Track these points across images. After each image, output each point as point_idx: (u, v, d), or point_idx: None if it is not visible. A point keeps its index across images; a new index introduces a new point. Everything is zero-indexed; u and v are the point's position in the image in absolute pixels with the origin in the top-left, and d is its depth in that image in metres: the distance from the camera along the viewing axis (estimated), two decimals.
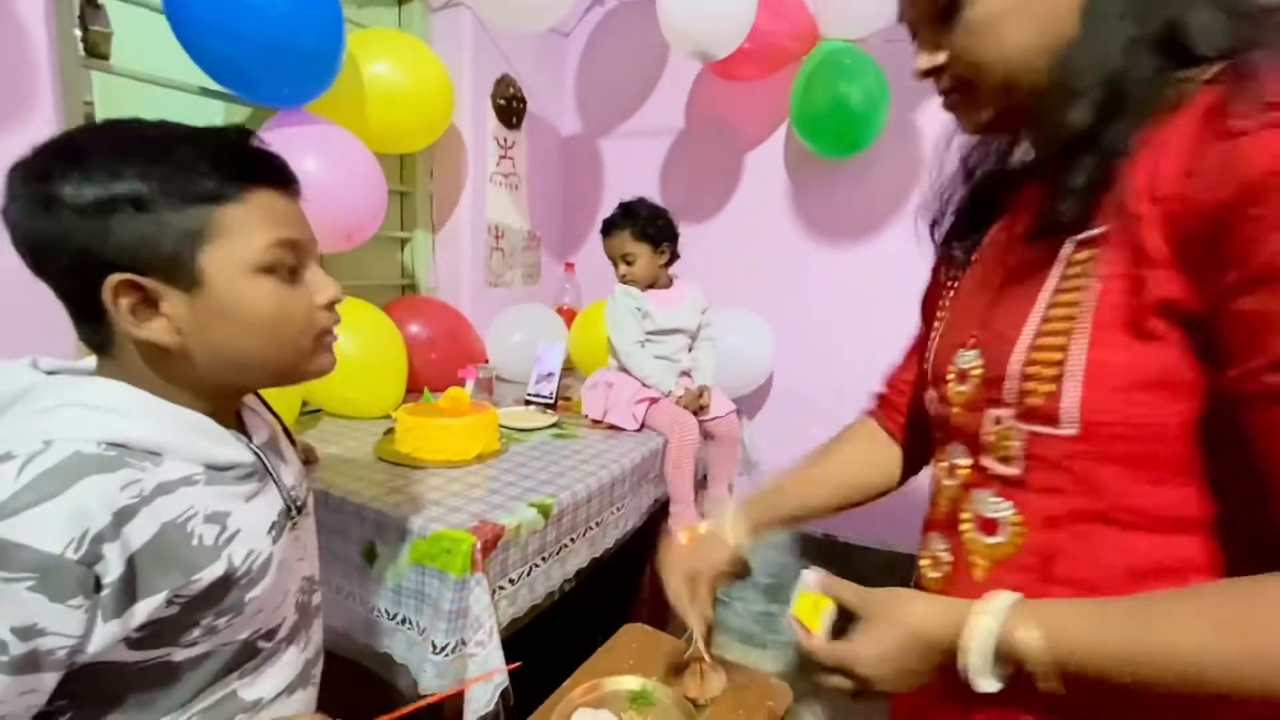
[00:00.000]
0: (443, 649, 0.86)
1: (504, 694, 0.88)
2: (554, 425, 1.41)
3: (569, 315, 2.03)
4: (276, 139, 0.57)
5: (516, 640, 0.98)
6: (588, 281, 2.14)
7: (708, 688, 1.08)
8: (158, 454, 0.48)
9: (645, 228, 1.45)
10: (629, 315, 1.44)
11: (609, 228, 1.49)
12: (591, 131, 2.13)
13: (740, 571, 0.81)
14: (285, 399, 1.21)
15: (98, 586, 0.43)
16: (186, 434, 0.50)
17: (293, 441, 0.67)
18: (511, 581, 0.96)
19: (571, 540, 1.09)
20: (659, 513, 1.42)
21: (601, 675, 1.09)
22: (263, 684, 0.56)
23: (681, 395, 1.43)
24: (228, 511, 0.51)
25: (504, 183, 1.91)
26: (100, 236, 0.46)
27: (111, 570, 0.44)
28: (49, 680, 0.44)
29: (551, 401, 1.55)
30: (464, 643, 0.87)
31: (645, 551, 1.47)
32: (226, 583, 0.50)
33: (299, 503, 0.61)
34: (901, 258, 1.70)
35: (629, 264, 1.47)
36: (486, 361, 1.70)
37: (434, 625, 0.88)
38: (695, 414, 1.43)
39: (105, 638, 0.44)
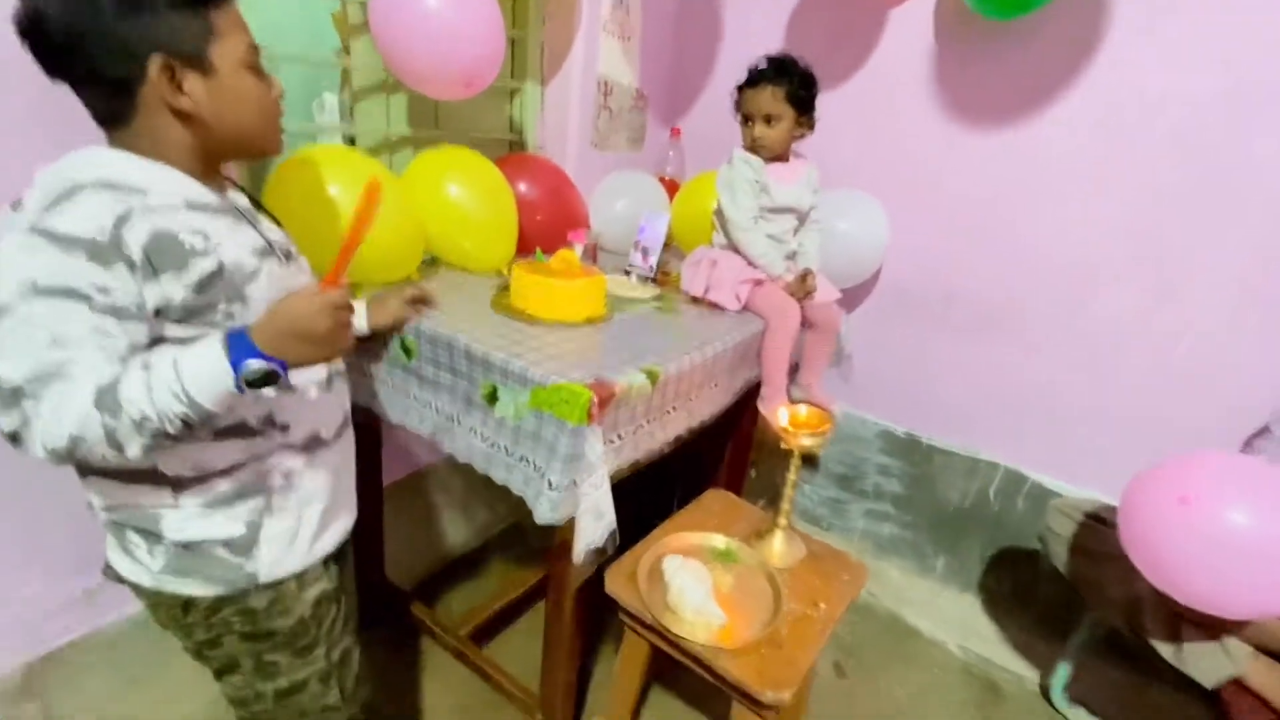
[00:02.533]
0: (557, 487, 0.95)
1: (612, 533, 0.97)
2: (656, 298, 1.42)
3: (671, 187, 1.96)
4: None
5: (613, 487, 1.06)
6: (693, 151, 2.04)
7: (789, 554, 1.16)
8: (143, 190, 0.64)
9: (798, 89, 1.32)
10: (748, 187, 1.36)
11: (756, 79, 1.34)
12: None
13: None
14: (410, 249, 1.26)
15: (132, 266, 0.61)
16: (167, 180, 0.67)
17: (278, 223, 0.85)
18: (619, 437, 1.02)
19: (673, 409, 1.13)
20: (750, 392, 1.44)
21: (689, 530, 1.18)
22: (296, 374, 0.68)
23: (789, 280, 1.39)
24: (210, 230, 0.68)
25: (617, 32, 1.78)
26: (143, 28, 0.62)
27: (134, 252, 0.61)
28: (138, 331, 0.62)
29: (653, 275, 1.55)
30: (576, 484, 0.95)
31: (732, 427, 1.52)
32: (223, 275, 0.67)
33: (284, 249, 0.79)
34: (1055, 153, 1.53)
35: (768, 125, 1.34)
36: (590, 227, 1.69)
37: (550, 465, 0.95)
38: (799, 300, 1.39)
39: (153, 299, 0.62)
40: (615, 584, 1.06)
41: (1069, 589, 1.46)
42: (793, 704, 1.26)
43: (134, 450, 0.60)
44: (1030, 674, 1.65)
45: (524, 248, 1.51)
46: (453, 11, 1.18)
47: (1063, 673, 1.55)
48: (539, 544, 1.85)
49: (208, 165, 0.73)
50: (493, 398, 1.04)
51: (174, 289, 0.63)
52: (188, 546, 0.73)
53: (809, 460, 2.04)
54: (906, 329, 1.83)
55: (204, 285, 0.65)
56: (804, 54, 1.81)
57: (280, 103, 0.76)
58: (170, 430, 0.61)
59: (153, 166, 0.67)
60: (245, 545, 0.75)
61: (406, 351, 1.14)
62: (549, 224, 1.58)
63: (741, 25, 1.91)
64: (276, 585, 0.78)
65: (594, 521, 0.95)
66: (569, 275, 1.21)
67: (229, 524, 0.74)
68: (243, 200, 0.79)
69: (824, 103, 1.77)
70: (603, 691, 1.41)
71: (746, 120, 1.37)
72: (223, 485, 0.73)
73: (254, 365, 0.61)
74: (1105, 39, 1.42)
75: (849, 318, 1.89)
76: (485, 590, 1.71)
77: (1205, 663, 1.11)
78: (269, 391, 0.63)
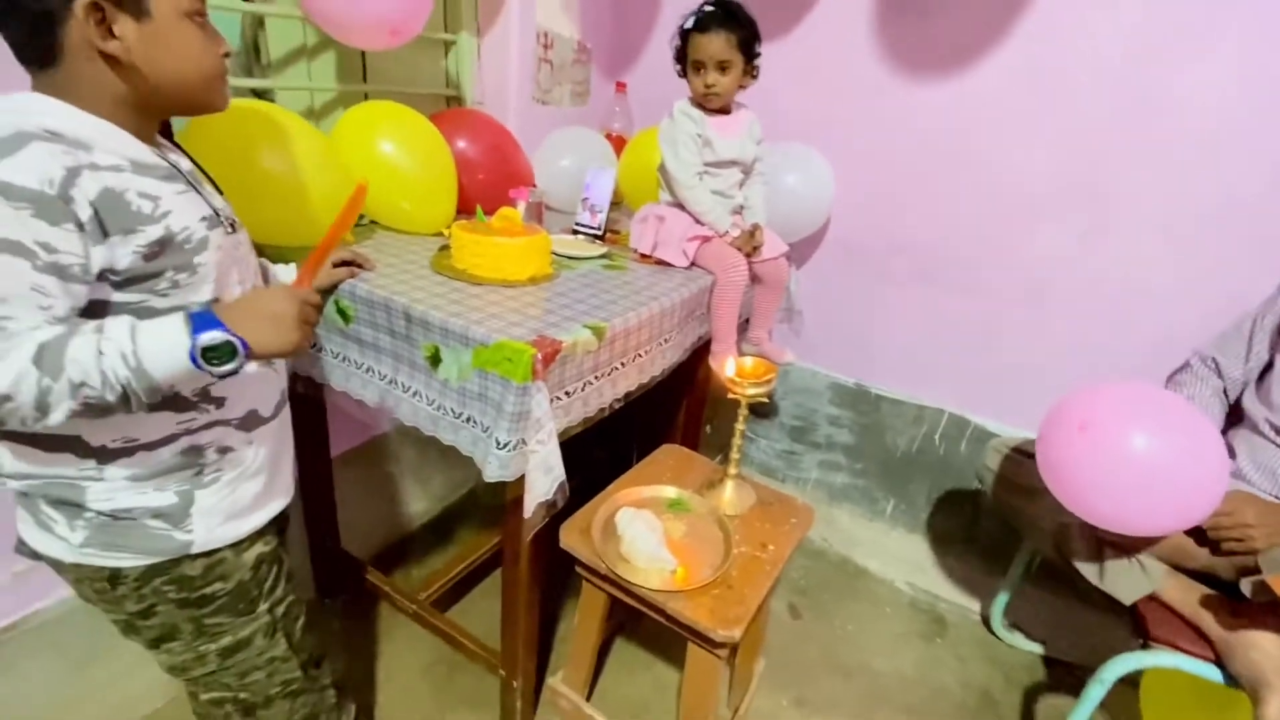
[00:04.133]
0: (505, 445, 0.94)
1: (560, 485, 0.97)
2: (603, 256, 1.40)
3: (618, 143, 1.92)
4: None
5: (568, 446, 1.06)
6: (640, 106, 2.00)
7: (739, 501, 1.19)
8: (88, 146, 0.61)
9: (745, 36, 1.28)
10: (690, 142, 1.34)
11: (706, 23, 1.27)
12: None
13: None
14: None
15: (80, 226, 0.58)
16: (109, 137, 0.63)
17: (219, 191, 0.81)
18: (567, 394, 1.02)
19: (622, 364, 1.13)
20: (702, 349, 1.45)
21: (643, 484, 1.20)
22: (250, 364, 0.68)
23: (736, 236, 1.39)
24: (158, 195, 0.64)
25: None
26: None
27: (82, 210, 0.58)
28: (79, 292, 0.59)
29: (600, 233, 1.53)
30: (524, 442, 0.95)
31: (686, 382, 1.53)
32: (171, 243, 0.65)
33: (229, 218, 0.76)
34: (988, 101, 1.56)
35: (722, 72, 1.29)
36: (535, 185, 1.65)
37: (497, 424, 0.95)
38: (747, 255, 1.40)
39: (98, 261, 0.60)
40: (570, 538, 1.07)
41: (1007, 524, 1.55)
42: (749, 644, 1.32)
43: (58, 416, 0.57)
44: (973, 605, 1.75)
45: (465, 207, 1.47)
46: None
47: (1001, 602, 1.65)
48: (490, 502, 1.86)
49: (144, 121, 0.69)
50: (435, 359, 1.02)
51: (121, 253, 0.61)
52: (115, 517, 0.70)
53: (762, 413, 2.08)
54: (853, 281, 1.86)
55: (152, 253, 0.63)
56: (747, 3, 1.79)
57: (226, 62, 0.72)
58: (108, 398, 0.58)
59: (95, 121, 0.63)
60: (177, 515, 0.72)
61: (343, 315, 1.10)
62: (491, 182, 1.53)
63: None
64: (210, 553, 0.76)
65: (543, 476, 0.95)
66: (511, 234, 1.18)
67: (159, 495, 0.71)
68: (185, 163, 0.75)
69: (766, 55, 1.75)
70: (567, 648, 1.44)
71: (698, 68, 1.32)
72: (151, 459, 0.70)
73: (214, 334, 0.60)
74: None
75: (798, 273, 1.91)
76: (446, 556, 1.71)
77: (1124, 581, 1.19)
78: (222, 369, 0.62)
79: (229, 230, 0.74)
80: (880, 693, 1.47)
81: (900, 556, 1.88)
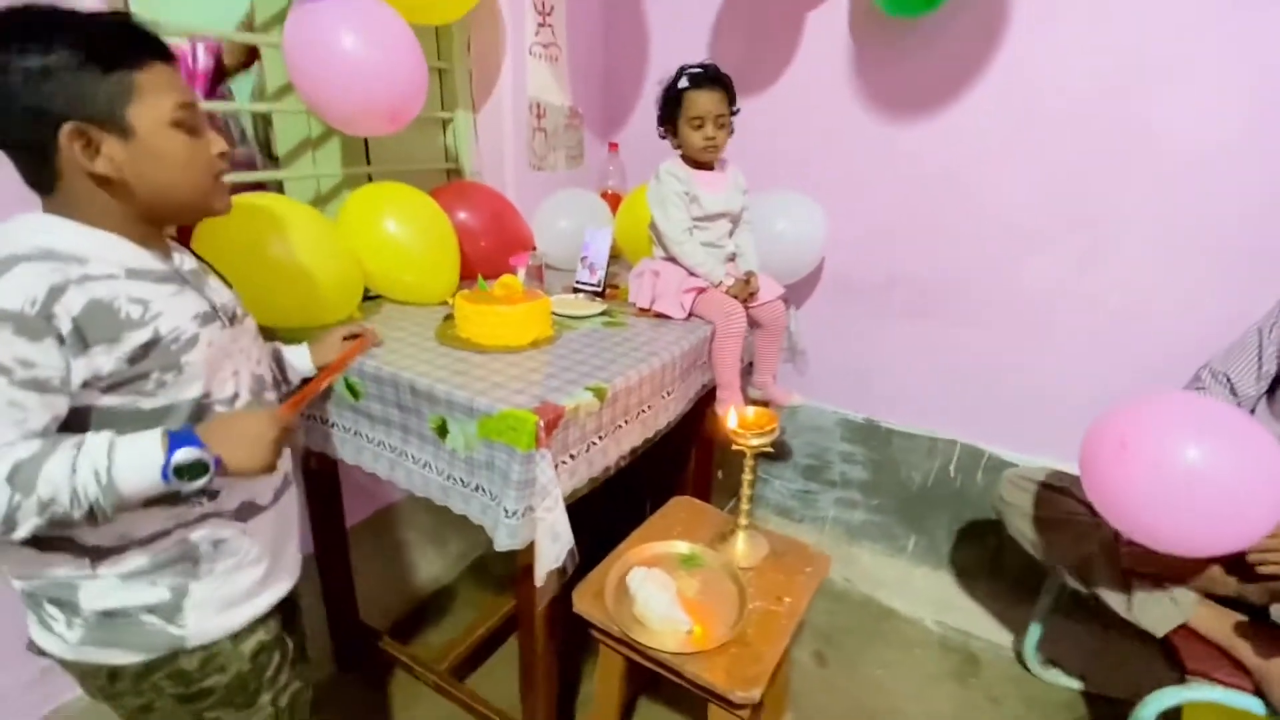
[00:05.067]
0: (513, 513, 0.95)
1: (570, 552, 0.97)
2: (603, 313, 1.43)
3: (614, 200, 1.99)
4: (312, 14, 0.81)
5: (577, 508, 1.07)
6: (632, 163, 2.07)
7: (752, 553, 1.18)
8: (82, 259, 0.64)
9: (731, 94, 1.36)
10: (678, 200, 1.39)
11: (701, 81, 1.33)
12: None
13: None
14: (348, 289, 1.26)
15: (61, 340, 0.60)
16: (106, 247, 0.66)
17: (227, 284, 0.85)
18: (572, 457, 1.03)
19: (625, 422, 1.15)
20: (706, 397, 1.47)
21: (654, 540, 1.20)
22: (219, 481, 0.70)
23: (731, 285, 1.42)
24: (149, 299, 0.67)
25: (544, 54, 1.80)
26: (49, 94, 0.61)
27: (63, 325, 0.60)
28: (59, 403, 0.62)
29: (600, 289, 1.57)
30: (532, 509, 0.96)
31: (693, 432, 1.54)
32: (157, 345, 0.67)
33: (229, 313, 0.79)
34: (972, 136, 1.60)
35: (720, 127, 1.36)
36: (535, 249, 1.70)
37: (504, 492, 0.96)
38: (744, 301, 1.42)
39: (80, 372, 0.62)
40: (583, 602, 1.07)
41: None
42: (773, 699, 1.29)
43: (22, 532, 0.60)
44: (1005, 640, 1.70)
45: (469, 274, 1.52)
46: (371, 50, 1.19)
47: (1034, 635, 1.60)
48: (502, 571, 1.85)
49: (148, 229, 0.72)
50: (442, 430, 1.05)
51: (104, 361, 0.63)
52: (108, 615, 0.71)
53: (775, 454, 2.08)
54: (853, 317, 1.88)
55: (136, 356, 0.65)
56: (727, 60, 1.87)
57: (222, 160, 0.74)
58: (74, 514, 0.60)
59: (93, 233, 0.66)
60: (170, 610, 0.73)
61: (353, 392, 1.14)
62: (493, 249, 1.58)
63: (666, 37, 1.95)
64: (207, 646, 0.76)
65: (551, 544, 0.95)
66: (511, 301, 1.22)
67: (151, 590, 0.72)
68: (189, 262, 0.78)
69: (752, 107, 1.82)
70: (590, 710, 1.41)
71: (697, 124, 1.35)
72: (144, 556, 0.71)
73: (188, 452, 0.63)
74: (1008, 27, 1.49)
75: (797, 313, 1.93)
76: (463, 621, 1.70)
77: (1155, 612, 1.16)
78: (192, 484, 0.63)
79: (226, 324, 0.76)
80: None
81: (926, 594, 1.84)
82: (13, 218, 0.66)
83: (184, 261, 0.77)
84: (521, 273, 1.44)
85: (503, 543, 0.96)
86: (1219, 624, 1.11)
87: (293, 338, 1.19)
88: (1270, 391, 1.28)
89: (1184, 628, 1.14)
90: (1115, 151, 1.45)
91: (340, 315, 1.26)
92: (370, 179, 1.55)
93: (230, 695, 0.79)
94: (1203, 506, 0.95)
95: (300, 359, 1.03)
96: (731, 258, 1.51)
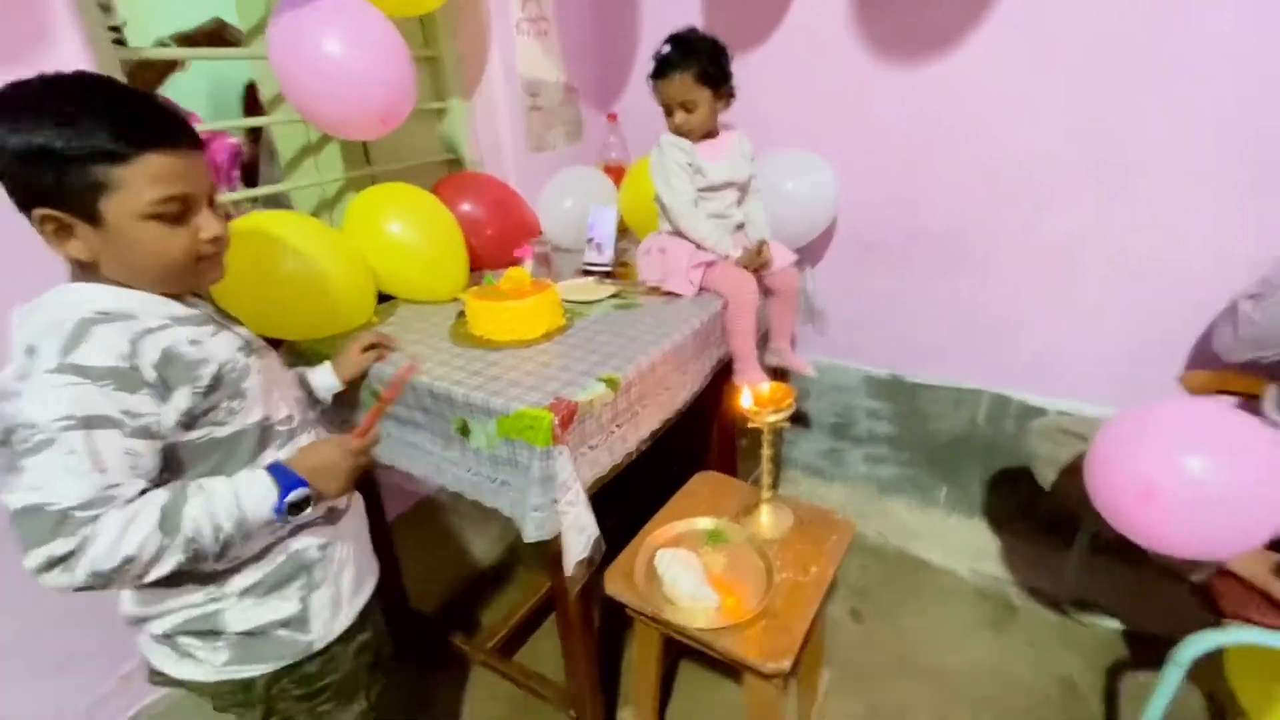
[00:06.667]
0: (538, 507, 0.98)
1: (596, 541, 1.00)
2: (614, 295, 1.43)
3: (617, 173, 1.96)
4: (293, 21, 0.93)
5: (602, 491, 1.10)
6: (633, 133, 2.03)
7: (776, 525, 1.20)
8: (134, 315, 0.68)
9: (707, 67, 1.29)
10: (681, 171, 1.36)
11: (665, 68, 1.30)
12: None
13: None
14: (362, 293, 1.28)
15: (151, 388, 0.66)
16: (146, 303, 0.70)
17: (237, 321, 0.86)
18: (591, 448, 1.05)
19: (643, 406, 1.16)
20: (724, 370, 1.47)
21: (679, 518, 1.22)
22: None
23: (740, 256, 1.39)
24: (200, 340, 0.72)
25: (532, 30, 1.75)
26: (29, 176, 0.63)
27: (149, 375, 0.66)
28: (161, 447, 0.68)
29: (609, 269, 1.56)
30: (556, 501, 0.99)
31: (713, 405, 1.55)
32: (223, 378, 0.73)
33: (257, 345, 0.83)
34: (985, 77, 1.51)
35: (689, 111, 1.32)
36: (540, 233, 1.70)
37: (528, 488, 0.99)
38: (756, 272, 1.40)
39: (170, 415, 0.68)
40: (615, 585, 1.11)
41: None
42: (809, 660, 1.32)
43: (164, 569, 0.66)
44: (1042, 585, 1.70)
45: (478, 265, 1.53)
46: (352, 54, 1.18)
47: (1071, 578, 1.60)
48: (534, 557, 1.91)
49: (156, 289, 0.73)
50: (465, 430, 1.07)
51: (184, 400, 0.69)
52: (250, 634, 0.78)
53: (799, 417, 2.07)
54: (873, 274, 1.84)
55: (210, 389, 0.71)
56: (722, 19, 1.79)
57: (213, 245, 0.73)
58: (212, 549, 0.68)
59: (129, 293, 0.70)
60: (301, 620, 0.81)
61: (377, 398, 1.17)
62: (500, 237, 1.58)
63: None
64: (327, 649, 0.84)
65: (577, 536, 0.98)
66: (520, 295, 1.22)
67: (284, 604, 0.80)
68: (208, 307, 0.82)
69: (751, 66, 1.76)
70: (634, 677, 1.47)
71: (667, 110, 1.35)
72: (259, 572, 0.78)
73: (300, 491, 0.74)
74: None
75: (814, 272, 1.90)
76: (509, 600, 1.77)
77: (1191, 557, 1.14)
78: (299, 518, 0.75)
79: (261, 354, 0.82)
80: (955, 691, 1.45)
81: (960, 543, 1.85)
82: (53, 290, 0.69)
83: (205, 306, 0.81)
84: (529, 263, 1.45)
85: (531, 534, 0.99)
86: (1257, 566, 1.09)
87: (314, 350, 1.22)
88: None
89: (1221, 570, 1.13)
90: (1137, 83, 1.36)
91: (358, 321, 1.29)
92: (373, 179, 1.56)
93: (340, 689, 0.87)
94: (1230, 520, 0.95)
95: (323, 378, 1.07)
96: (739, 227, 1.49)
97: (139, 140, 0.64)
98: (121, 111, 0.64)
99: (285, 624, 0.79)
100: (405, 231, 1.34)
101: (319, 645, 0.82)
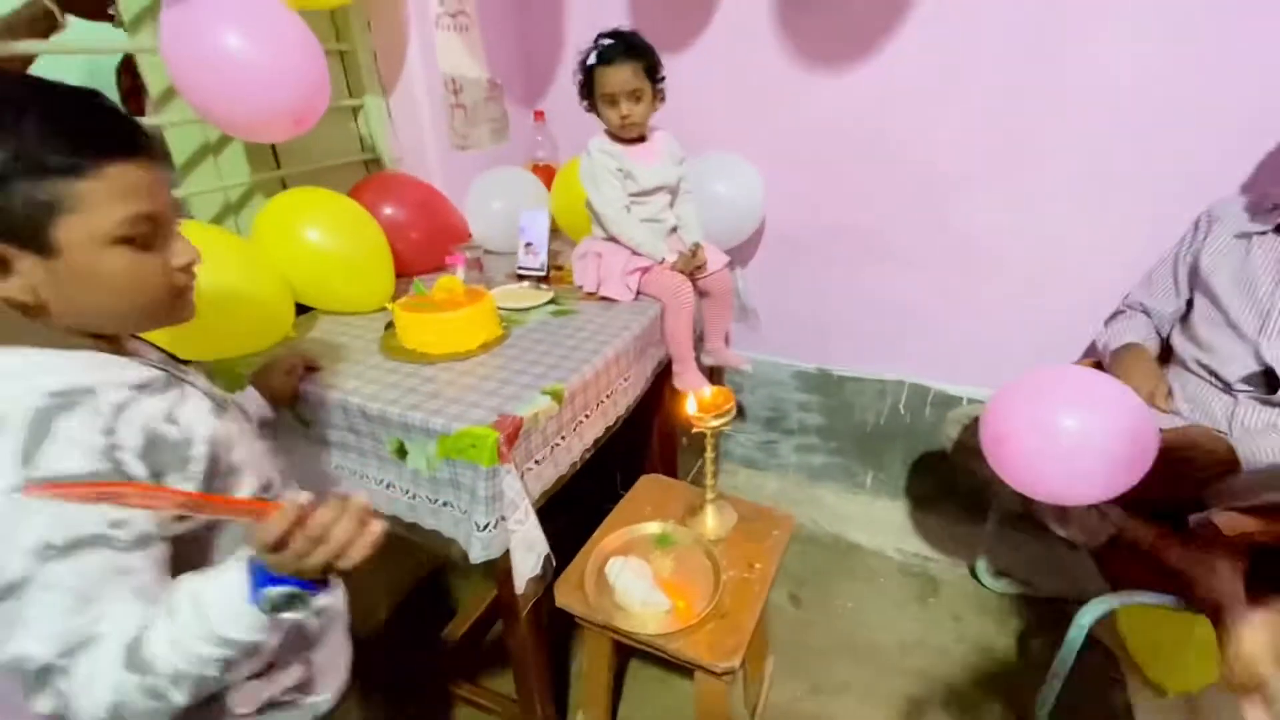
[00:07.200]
0: (485, 526, 0.96)
1: (547, 558, 0.99)
2: (551, 301, 1.41)
3: (546, 173, 1.92)
4: (188, 12, 0.74)
5: (548, 502, 1.08)
6: (562, 131, 1.99)
7: (721, 524, 1.23)
8: (90, 391, 0.55)
9: (649, 63, 1.29)
10: (610, 177, 1.35)
11: (612, 55, 1.25)
12: None
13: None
14: (278, 307, 1.20)
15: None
16: (99, 369, 0.57)
17: (185, 362, 0.76)
18: (536, 462, 1.04)
19: (586, 416, 1.15)
20: (663, 373, 1.48)
21: (626, 524, 1.23)
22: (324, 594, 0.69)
23: (676, 260, 1.41)
24: (174, 413, 0.61)
25: (453, 25, 1.68)
26: None
27: (135, 469, 0.55)
28: (161, 551, 0.57)
29: (544, 273, 1.53)
30: (504, 519, 0.97)
31: (654, 407, 1.56)
32: (219, 459, 0.63)
33: (219, 398, 0.72)
34: (899, 79, 1.59)
35: (636, 101, 1.29)
36: (470, 237, 1.64)
37: (474, 507, 0.96)
38: (691, 275, 1.42)
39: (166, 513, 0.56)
40: (565, 596, 1.10)
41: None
42: (755, 651, 1.37)
43: (180, 698, 0.55)
44: (959, 559, 1.84)
45: (404, 270, 1.46)
46: (258, 50, 1.09)
47: (983, 551, 1.73)
48: (471, 569, 1.87)
49: (107, 339, 0.61)
50: (401, 452, 1.03)
51: (180, 487, 0.58)
52: (262, 711, 0.71)
53: (736, 410, 2.12)
54: (799, 272, 1.90)
55: (209, 474, 0.61)
56: (648, 16, 1.79)
57: (186, 274, 0.62)
58: (213, 673, 0.55)
59: (71, 356, 0.56)
60: (309, 683, 0.76)
61: (303, 422, 1.10)
62: (426, 241, 1.53)
63: None
64: (335, 705, 0.80)
65: (526, 553, 0.97)
66: (453, 305, 1.18)
67: (291, 671, 0.74)
68: (154, 354, 0.69)
69: (677, 69, 1.76)
70: (584, 683, 1.47)
71: (611, 101, 1.31)
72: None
73: (271, 592, 0.54)
74: None
75: (744, 272, 1.94)
76: (446, 616, 1.72)
77: (1087, 527, 1.26)
78: (297, 613, 0.56)
79: (227, 406, 0.72)
80: (888, 665, 1.54)
81: (886, 524, 1.96)
82: None
83: (150, 354, 0.68)
84: (460, 270, 1.40)
85: (478, 555, 0.97)
86: (1144, 534, 1.22)
87: (231, 370, 1.13)
88: (1184, 317, 1.37)
89: (1113, 539, 1.25)
90: (1038, 88, 1.47)
91: (275, 338, 1.21)
92: (284, 182, 1.46)
93: None
94: (1077, 466, 1.05)
95: (251, 403, 0.97)
96: (673, 230, 1.50)
97: (101, 147, 0.52)
98: (74, 114, 0.52)
99: (297, 688, 0.75)
100: (324, 238, 1.26)
101: (326, 706, 0.79)
